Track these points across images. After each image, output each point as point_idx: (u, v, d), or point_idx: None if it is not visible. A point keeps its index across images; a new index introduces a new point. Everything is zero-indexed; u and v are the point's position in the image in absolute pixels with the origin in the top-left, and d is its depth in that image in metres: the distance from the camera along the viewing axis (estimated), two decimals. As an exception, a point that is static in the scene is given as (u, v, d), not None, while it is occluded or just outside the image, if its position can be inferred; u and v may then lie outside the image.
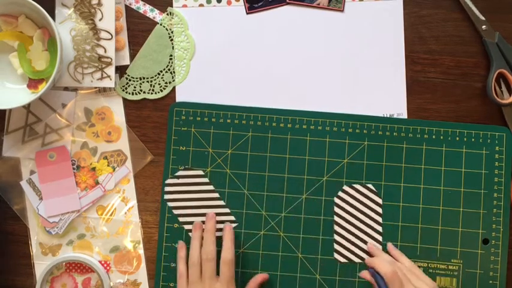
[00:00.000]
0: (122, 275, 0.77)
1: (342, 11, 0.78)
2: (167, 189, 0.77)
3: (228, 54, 0.78)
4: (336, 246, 0.76)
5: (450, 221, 0.76)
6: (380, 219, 0.76)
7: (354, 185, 0.76)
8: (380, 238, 0.76)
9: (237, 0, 0.78)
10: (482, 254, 0.76)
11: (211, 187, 0.77)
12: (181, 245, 0.76)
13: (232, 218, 0.77)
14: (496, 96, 0.76)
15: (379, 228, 0.76)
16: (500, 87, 0.78)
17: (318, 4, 0.78)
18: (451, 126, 0.77)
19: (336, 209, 0.76)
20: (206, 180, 0.77)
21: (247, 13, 0.78)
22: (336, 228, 0.76)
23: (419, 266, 0.75)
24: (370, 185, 0.76)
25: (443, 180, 0.76)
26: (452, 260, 0.76)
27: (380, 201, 0.76)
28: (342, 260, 0.76)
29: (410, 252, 0.76)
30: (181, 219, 0.77)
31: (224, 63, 0.78)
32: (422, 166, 0.76)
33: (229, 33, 0.78)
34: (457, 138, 0.76)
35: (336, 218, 0.76)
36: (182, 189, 0.77)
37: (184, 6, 0.78)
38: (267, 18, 0.78)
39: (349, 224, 0.76)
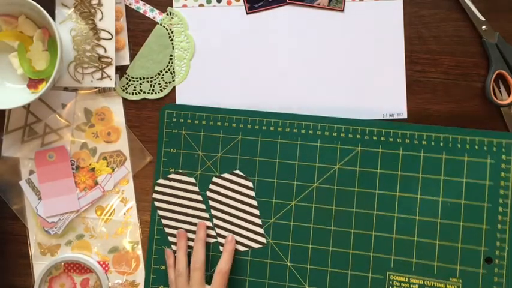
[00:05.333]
0: (120, 276, 0.77)
1: (342, 11, 0.78)
2: (157, 188, 0.77)
3: (228, 54, 0.78)
4: (219, 239, 0.75)
5: (449, 235, 0.71)
6: (254, 202, 0.75)
7: (223, 175, 0.75)
8: (259, 221, 0.75)
9: (237, 0, 0.78)
10: (485, 274, 0.70)
11: (199, 197, 0.76)
12: (169, 254, 0.75)
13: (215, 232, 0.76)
14: (494, 97, 0.76)
15: (255, 211, 0.75)
16: (499, 88, 0.78)
17: (318, 4, 0.78)
18: (452, 131, 0.73)
19: (212, 203, 0.75)
20: (196, 189, 0.76)
21: (247, 13, 0.78)
22: (216, 222, 0.75)
23: (414, 283, 0.72)
24: (237, 171, 0.75)
25: (442, 190, 0.72)
26: (450, 279, 0.71)
27: (250, 184, 0.75)
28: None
29: (405, 267, 0.72)
30: (164, 221, 0.76)
31: (224, 63, 0.78)
32: (420, 175, 0.72)
33: (229, 33, 0.78)
34: (459, 145, 0.72)
35: (214, 212, 0.75)
36: (171, 192, 0.76)
37: (184, 6, 0.78)
38: (267, 18, 0.78)
39: (227, 214, 0.75)
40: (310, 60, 0.78)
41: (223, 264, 0.72)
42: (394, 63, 0.77)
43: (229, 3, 0.78)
